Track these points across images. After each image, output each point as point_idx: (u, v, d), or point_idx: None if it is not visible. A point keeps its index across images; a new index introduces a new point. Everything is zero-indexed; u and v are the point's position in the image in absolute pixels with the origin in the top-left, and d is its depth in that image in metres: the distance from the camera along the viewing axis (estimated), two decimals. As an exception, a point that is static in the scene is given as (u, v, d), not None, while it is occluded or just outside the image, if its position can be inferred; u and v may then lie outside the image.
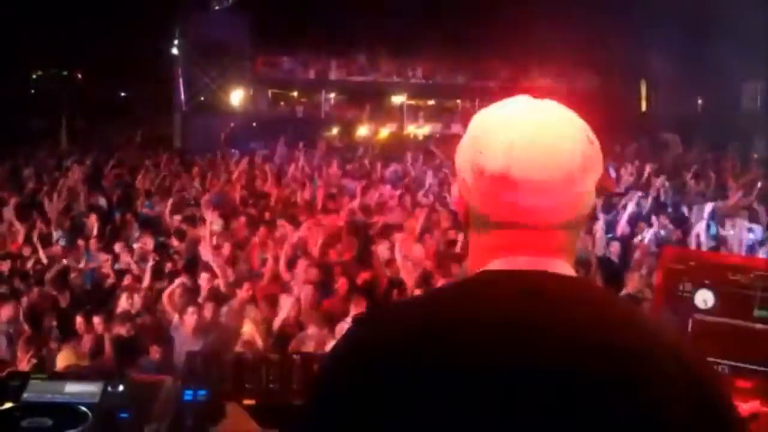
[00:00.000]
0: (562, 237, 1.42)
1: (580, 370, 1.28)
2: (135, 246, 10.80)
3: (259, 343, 7.38)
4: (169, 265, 10.06)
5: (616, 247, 10.57)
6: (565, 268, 1.43)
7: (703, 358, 1.42)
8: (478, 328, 1.32)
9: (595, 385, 1.28)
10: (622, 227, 11.43)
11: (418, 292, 8.12)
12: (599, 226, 11.00)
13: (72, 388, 2.35)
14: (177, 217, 12.36)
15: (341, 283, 9.10)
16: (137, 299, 8.72)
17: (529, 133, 1.39)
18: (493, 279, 1.42)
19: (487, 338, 1.31)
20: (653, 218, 11.70)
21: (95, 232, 11.56)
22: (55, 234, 11.65)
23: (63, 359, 7.18)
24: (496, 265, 1.43)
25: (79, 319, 8.01)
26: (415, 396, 1.27)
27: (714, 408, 1.34)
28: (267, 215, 12.49)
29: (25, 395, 2.30)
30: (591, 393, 1.27)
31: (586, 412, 1.26)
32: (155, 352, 7.26)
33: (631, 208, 12.02)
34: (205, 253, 9.71)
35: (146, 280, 9.30)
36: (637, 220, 11.79)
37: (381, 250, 10.32)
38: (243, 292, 8.70)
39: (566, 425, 1.26)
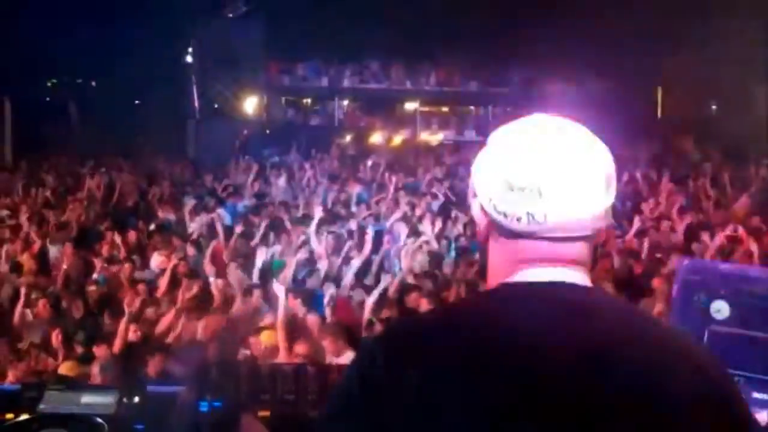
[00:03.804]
0: (583, 249, 1.47)
1: (605, 382, 1.30)
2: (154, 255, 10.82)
3: (282, 349, 7.30)
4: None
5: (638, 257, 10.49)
6: (585, 279, 1.48)
7: (724, 370, 1.43)
8: (502, 341, 1.34)
9: (620, 397, 1.30)
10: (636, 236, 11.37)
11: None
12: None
13: (88, 399, 2.36)
14: (195, 226, 12.35)
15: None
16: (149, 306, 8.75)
17: (559, 150, 1.43)
18: (518, 292, 1.45)
19: (512, 350, 1.32)
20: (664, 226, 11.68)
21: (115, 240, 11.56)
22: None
23: (64, 369, 7.22)
24: (519, 277, 1.47)
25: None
26: (441, 410, 1.28)
27: (735, 419, 1.36)
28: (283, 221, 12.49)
29: (41, 406, 2.31)
30: (617, 405, 1.29)
31: (613, 423, 1.28)
32: (159, 362, 7.23)
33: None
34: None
35: (162, 288, 9.31)
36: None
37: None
38: (253, 300, 8.71)
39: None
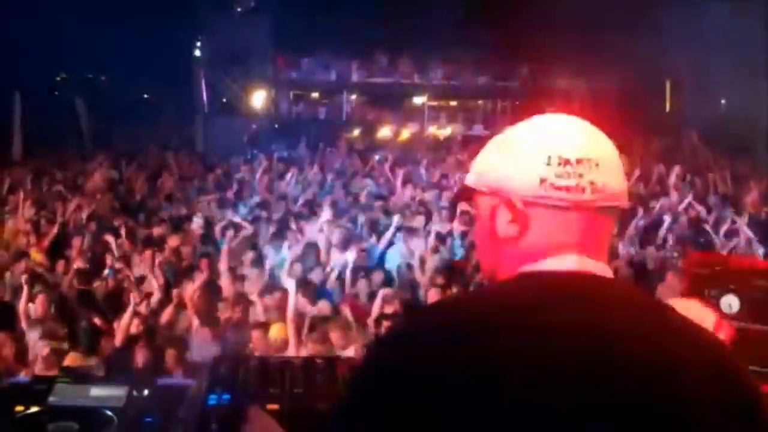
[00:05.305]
0: (614, 226, 1.53)
1: (625, 374, 1.30)
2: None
3: (293, 342, 7.28)
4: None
5: (651, 251, 10.49)
6: (606, 270, 1.49)
7: (740, 364, 1.43)
8: (525, 332, 1.33)
9: (638, 390, 1.29)
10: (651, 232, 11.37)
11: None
12: (630, 230, 10.95)
13: (97, 392, 2.36)
14: (199, 220, 12.37)
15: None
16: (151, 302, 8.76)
17: (583, 141, 1.48)
18: (537, 281, 1.45)
19: (532, 342, 1.32)
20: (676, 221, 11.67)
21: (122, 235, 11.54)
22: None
23: (70, 359, 7.23)
24: (537, 265, 1.47)
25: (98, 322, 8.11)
26: (449, 410, 1.27)
27: (751, 411, 1.36)
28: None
29: (51, 399, 2.32)
30: (634, 398, 1.29)
31: (628, 415, 1.28)
32: (170, 357, 7.23)
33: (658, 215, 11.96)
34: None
35: (158, 282, 9.29)
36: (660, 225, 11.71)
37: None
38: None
39: (607, 427, 1.27)
